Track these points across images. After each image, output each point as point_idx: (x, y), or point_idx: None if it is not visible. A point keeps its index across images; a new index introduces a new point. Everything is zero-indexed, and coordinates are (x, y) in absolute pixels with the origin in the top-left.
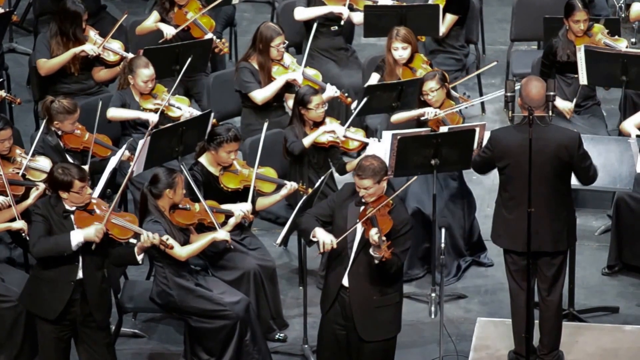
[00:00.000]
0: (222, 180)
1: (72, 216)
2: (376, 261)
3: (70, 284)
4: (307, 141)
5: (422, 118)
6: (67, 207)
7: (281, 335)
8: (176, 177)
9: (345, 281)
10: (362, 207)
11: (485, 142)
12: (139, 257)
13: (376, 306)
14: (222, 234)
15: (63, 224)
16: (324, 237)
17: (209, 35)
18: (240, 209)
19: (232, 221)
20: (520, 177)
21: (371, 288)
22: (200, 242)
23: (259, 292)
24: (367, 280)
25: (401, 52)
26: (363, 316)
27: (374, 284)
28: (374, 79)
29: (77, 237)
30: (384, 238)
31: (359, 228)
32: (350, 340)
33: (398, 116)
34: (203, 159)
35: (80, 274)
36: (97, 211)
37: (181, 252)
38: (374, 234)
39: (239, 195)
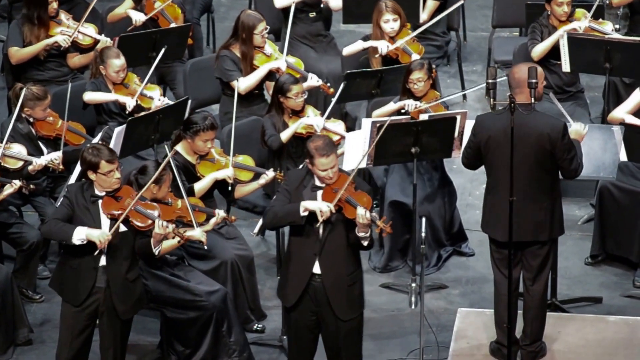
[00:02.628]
0: (199, 169)
1: (99, 202)
2: (365, 242)
3: (94, 271)
4: (284, 136)
5: (402, 111)
6: (97, 192)
7: (259, 326)
8: (164, 175)
9: (316, 268)
10: (322, 191)
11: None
12: (155, 249)
13: (348, 284)
14: (197, 233)
15: (89, 209)
16: (318, 205)
17: (174, 25)
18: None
19: (212, 221)
20: (501, 164)
21: (342, 268)
22: (173, 240)
23: (237, 282)
24: (338, 262)
25: (392, 24)
26: (338, 297)
27: (345, 264)
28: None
29: (80, 233)
30: (374, 214)
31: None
32: (322, 324)
33: (379, 111)
34: (180, 147)
35: (103, 261)
36: (124, 199)
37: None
38: (363, 213)
39: (217, 184)
